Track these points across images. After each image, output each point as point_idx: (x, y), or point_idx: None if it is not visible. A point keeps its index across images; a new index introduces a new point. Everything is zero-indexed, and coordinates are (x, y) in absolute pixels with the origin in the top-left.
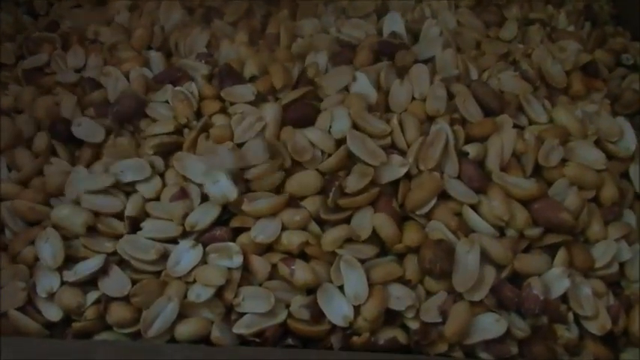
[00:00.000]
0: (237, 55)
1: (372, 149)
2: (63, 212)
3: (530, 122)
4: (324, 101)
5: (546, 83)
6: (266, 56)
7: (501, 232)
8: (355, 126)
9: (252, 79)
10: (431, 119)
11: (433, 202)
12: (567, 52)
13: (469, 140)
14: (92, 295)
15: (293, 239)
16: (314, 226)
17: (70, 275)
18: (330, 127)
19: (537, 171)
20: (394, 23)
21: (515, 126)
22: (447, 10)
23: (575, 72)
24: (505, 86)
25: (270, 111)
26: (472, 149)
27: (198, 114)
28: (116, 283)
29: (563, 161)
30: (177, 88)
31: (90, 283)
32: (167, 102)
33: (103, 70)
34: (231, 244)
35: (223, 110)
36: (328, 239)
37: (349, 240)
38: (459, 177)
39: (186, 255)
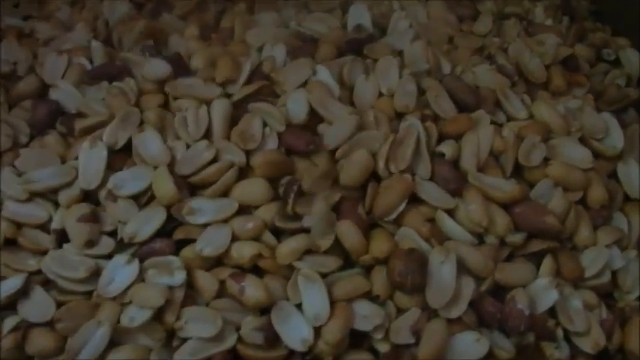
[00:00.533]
0: (186, 50)
1: None
2: None
3: (509, 119)
4: (281, 98)
5: (525, 78)
6: (217, 49)
7: (480, 239)
8: (314, 114)
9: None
10: (400, 116)
11: (403, 206)
12: (546, 46)
13: (442, 138)
14: (10, 322)
15: (244, 251)
16: (268, 237)
17: None
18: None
19: (517, 171)
20: (360, 16)
21: (492, 123)
22: (417, 3)
23: (554, 66)
24: (480, 81)
25: (219, 108)
26: (447, 149)
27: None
28: (39, 306)
29: (546, 160)
30: (114, 83)
31: (8, 307)
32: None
33: (38, 60)
34: (172, 258)
35: (164, 105)
36: (284, 251)
37: (308, 251)
38: (431, 179)
39: (120, 272)
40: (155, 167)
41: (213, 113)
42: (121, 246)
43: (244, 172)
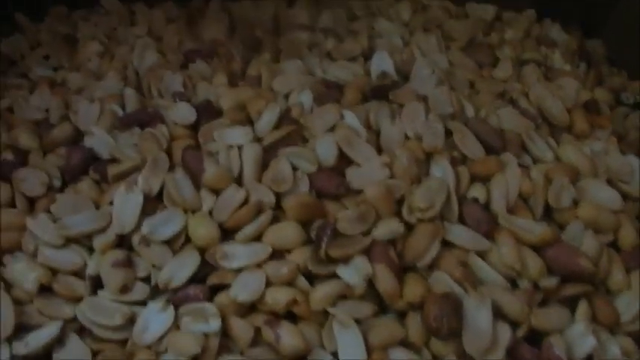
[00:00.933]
0: (215, 96)
1: None
2: (16, 267)
3: (535, 161)
4: (310, 142)
5: (548, 122)
6: (245, 93)
7: (513, 283)
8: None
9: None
10: (428, 157)
11: (435, 251)
12: (566, 90)
13: (470, 179)
14: None
15: (279, 297)
16: (302, 281)
17: (21, 347)
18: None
19: (547, 213)
20: (383, 63)
21: (519, 165)
22: (438, 50)
23: (576, 109)
24: (505, 124)
25: (250, 152)
26: (479, 193)
27: (169, 155)
28: (74, 354)
29: (575, 202)
30: (146, 129)
31: (44, 356)
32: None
33: (71, 109)
34: (207, 304)
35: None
36: (317, 296)
37: (342, 296)
38: (460, 221)
39: (155, 319)
40: (186, 210)
41: (244, 157)
42: (155, 292)
43: (276, 216)
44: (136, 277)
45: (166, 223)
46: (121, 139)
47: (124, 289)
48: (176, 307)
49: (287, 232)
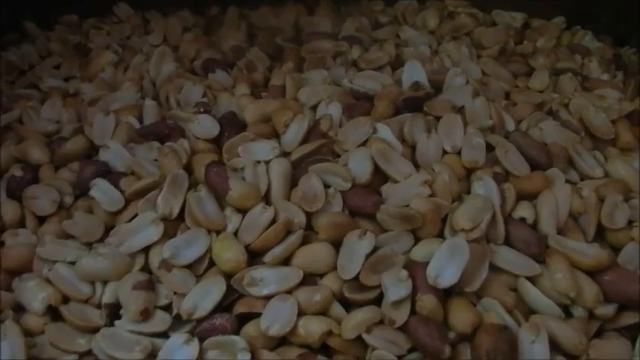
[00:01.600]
0: (238, 107)
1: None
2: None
3: (582, 177)
4: (342, 157)
5: (590, 134)
6: (270, 104)
7: (566, 310)
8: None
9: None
10: (469, 173)
11: (485, 274)
12: (608, 101)
13: (517, 198)
14: None
15: (312, 329)
16: (337, 309)
17: None
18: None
19: (598, 234)
20: (415, 73)
21: (566, 181)
22: (469, 59)
23: (621, 121)
24: (549, 137)
25: (277, 167)
26: (527, 212)
27: (189, 170)
28: None
29: (629, 222)
30: (167, 144)
31: None
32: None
33: (87, 121)
34: (235, 337)
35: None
36: (350, 324)
37: (380, 323)
38: (507, 243)
39: (179, 353)
40: (210, 231)
41: (272, 173)
42: (178, 322)
43: (307, 237)
44: (157, 305)
45: (189, 246)
46: (138, 153)
47: (145, 313)
48: (201, 340)
49: (319, 254)
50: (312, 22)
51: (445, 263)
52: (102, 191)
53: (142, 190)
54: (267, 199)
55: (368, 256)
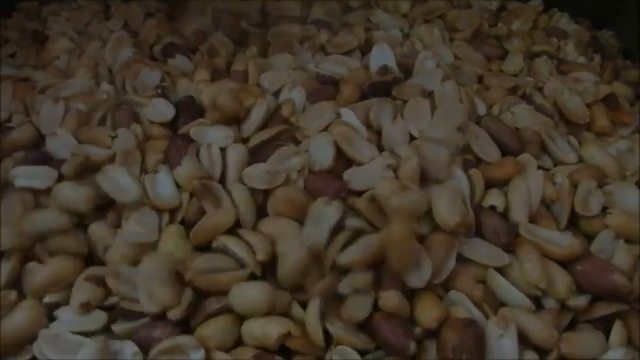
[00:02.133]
0: (196, 93)
1: None
2: None
3: (556, 163)
4: (303, 143)
5: (565, 119)
6: (227, 88)
7: (537, 302)
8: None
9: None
10: None
11: (451, 266)
12: (584, 84)
13: (486, 185)
14: None
15: (269, 330)
16: (297, 310)
17: None
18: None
19: (571, 222)
20: (384, 57)
21: (539, 168)
22: (441, 43)
23: (596, 105)
24: (521, 122)
25: (232, 154)
26: (497, 200)
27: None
28: None
29: (603, 209)
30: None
31: None
32: None
33: (35, 108)
34: (182, 338)
35: None
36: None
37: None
38: (477, 233)
39: None
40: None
41: (227, 159)
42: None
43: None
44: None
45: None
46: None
47: (87, 306)
48: (146, 347)
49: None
50: (279, 6)
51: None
52: (27, 177)
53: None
54: (222, 184)
55: (334, 228)
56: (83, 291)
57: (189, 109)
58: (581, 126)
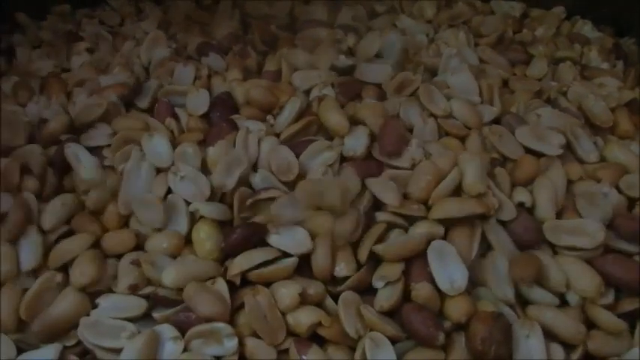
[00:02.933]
0: (231, 91)
1: None
2: None
3: (579, 161)
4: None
5: (589, 123)
6: (260, 86)
7: (561, 298)
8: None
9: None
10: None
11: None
12: (608, 89)
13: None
14: None
15: (301, 319)
16: (330, 301)
17: None
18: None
19: None
20: None
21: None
22: (466, 46)
23: (620, 109)
24: (546, 123)
25: (266, 145)
26: (525, 197)
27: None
28: None
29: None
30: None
31: None
32: None
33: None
34: (219, 324)
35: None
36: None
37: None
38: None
39: (165, 346)
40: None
41: (261, 147)
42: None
43: None
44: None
45: None
46: None
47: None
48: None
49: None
50: (307, 10)
51: (445, 268)
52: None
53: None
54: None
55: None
56: (129, 274)
57: (225, 105)
58: (604, 130)
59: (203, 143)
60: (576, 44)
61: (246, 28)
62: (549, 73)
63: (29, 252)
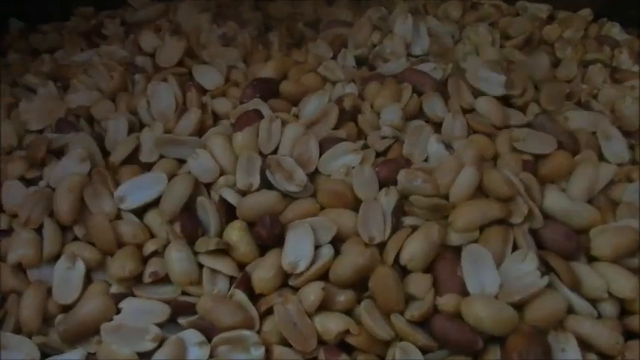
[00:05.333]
0: None
1: None
2: None
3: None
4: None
5: (618, 126)
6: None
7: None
8: None
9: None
10: None
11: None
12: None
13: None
14: None
15: (329, 326)
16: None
17: None
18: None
19: None
20: None
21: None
22: (490, 44)
23: None
24: (575, 124)
25: (289, 132)
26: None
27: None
28: None
29: None
30: None
31: None
32: None
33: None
34: (246, 332)
35: None
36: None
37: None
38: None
39: (190, 351)
40: None
41: (284, 135)
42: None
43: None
44: None
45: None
46: None
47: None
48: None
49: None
50: (330, 12)
51: (477, 273)
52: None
53: None
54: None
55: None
56: (151, 264)
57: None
58: (632, 133)
59: None
60: (605, 46)
61: (268, 29)
62: (579, 75)
63: None
